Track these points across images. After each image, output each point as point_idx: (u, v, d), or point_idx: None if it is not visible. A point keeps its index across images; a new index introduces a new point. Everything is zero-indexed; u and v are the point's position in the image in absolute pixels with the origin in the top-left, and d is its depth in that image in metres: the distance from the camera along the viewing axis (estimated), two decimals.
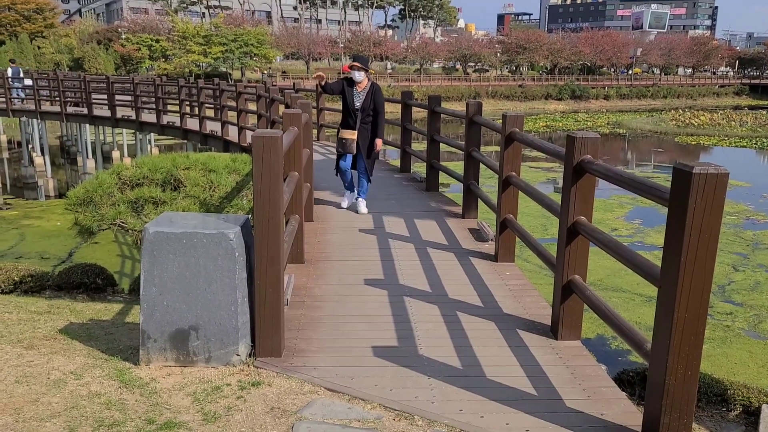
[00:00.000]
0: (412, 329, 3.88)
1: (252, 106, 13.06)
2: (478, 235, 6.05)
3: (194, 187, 5.53)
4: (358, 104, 6.65)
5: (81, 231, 5.98)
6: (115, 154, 25.52)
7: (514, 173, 5.05)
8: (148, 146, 23.90)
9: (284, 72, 60.77)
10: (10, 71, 24.52)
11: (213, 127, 14.34)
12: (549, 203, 4.17)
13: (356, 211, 6.81)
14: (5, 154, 27.35)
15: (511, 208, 5.15)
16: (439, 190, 8.30)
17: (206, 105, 14.69)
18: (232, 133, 13.24)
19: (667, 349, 2.46)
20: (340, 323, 3.95)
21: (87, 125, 21.36)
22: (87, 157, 21.99)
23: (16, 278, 7.25)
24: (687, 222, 2.34)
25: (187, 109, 15.72)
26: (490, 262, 5.24)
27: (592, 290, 3.52)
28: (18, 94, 23.00)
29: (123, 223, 5.36)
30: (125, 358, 3.46)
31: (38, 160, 22.78)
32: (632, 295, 11.09)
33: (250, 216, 3.73)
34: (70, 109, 19.88)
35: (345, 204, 7.01)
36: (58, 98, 20.18)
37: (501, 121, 5.07)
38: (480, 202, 6.57)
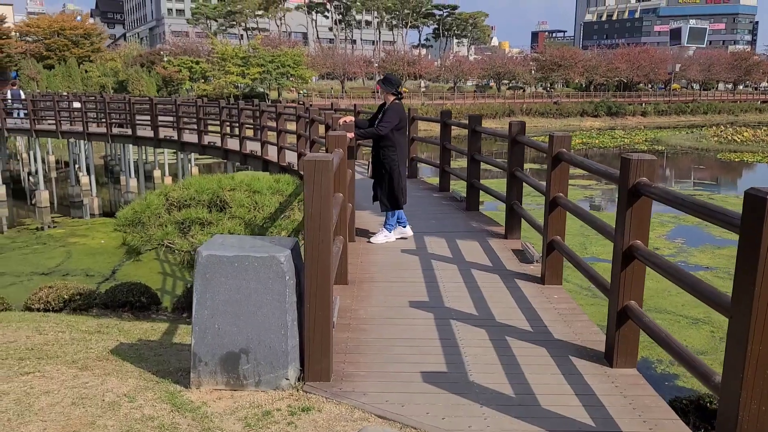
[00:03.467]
0: (461, 354, 3.80)
1: (291, 126, 13.23)
2: (522, 256, 5.95)
3: (239, 207, 5.59)
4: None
5: (129, 250, 6.10)
6: (156, 173, 26.17)
7: (561, 194, 4.96)
8: (189, 165, 24.44)
9: (320, 92, 61.64)
10: (9, 93, 25.96)
11: (253, 147, 14.57)
12: (601, 225, 4.07)
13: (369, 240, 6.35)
14: (53, 174, 28.31)
15: (559, 229, 5.05)
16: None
17: (246, 126, 14.95)
18: (272, 153, 13.42)
19: (740, 383, 2.34)
20: (388, 347, 3.91)
21: (130, 145, 21.99)
22: (130, 176, 22.59)
23: (65, 296, 7.44)
24: (762, 250, 2.23)
25: (227, 129, 16.04)
26: (537, 285, 5.13)
27: (649, 317, 3.40)
28: (18, 115, 24.00)
29: (171, 243, 5.44)
30: (176, 381, 3.48)
31: (84, 179, 23.51)
32: (677, 316, 10.76)
33: (298, 238, 3.73)
34: (115, 130, 20.51)
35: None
36: (104, 120, 20.84)
37: (542, 139, 5.00)
38: (523, 221, 6.48)
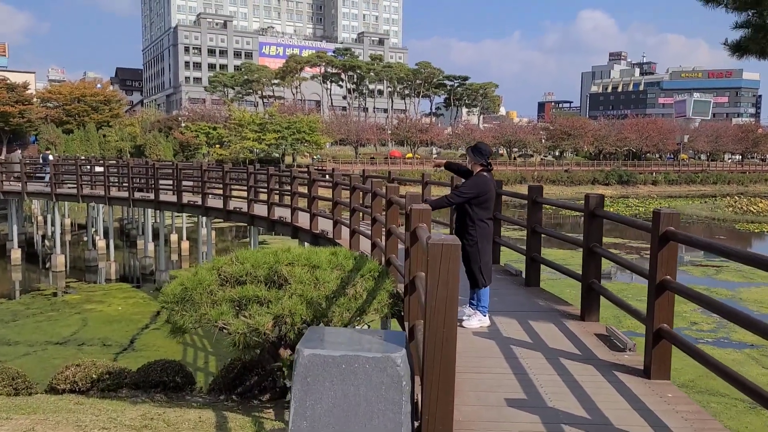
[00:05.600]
0: None
1: (322, 192, 12.91)
2: (610, 343, 5.35)
3: (299, 284, 5.09)
4: None
5: (174, 330, 5.54)
6: (173, 237, 25.78)
7: (669, 276, 4.43)
8: (205, 229, 24.03)
9: (333, 157, 62.28)
10: (41, 158, 27.51)
11: (281, 213, 14.21)
12: (747, 318, 3.51)
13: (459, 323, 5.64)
14: (68, 237, 27.99)
15: (667, 316, 4.49)
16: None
17: (274, 191, 14.64)
18: (302, 220, 13.02)
19: None
20: None
21: (149, 209, 21.72)
22: (148, 240, 22.19)
23: (94, 376, 6.84)
24: None
25: (253, 194, 15.75)
26: (642, 379, 4.52)
27: None
28: (45, 179, 24.59)
29: (226, 325, 4.90)
30: None
31: (100, 243, 23.14)
32: (732, 399, 10.01)
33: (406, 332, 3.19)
34: (137, 195, 20.30)
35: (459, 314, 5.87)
36: (125, 184, 20.68)
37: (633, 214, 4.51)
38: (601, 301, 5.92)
